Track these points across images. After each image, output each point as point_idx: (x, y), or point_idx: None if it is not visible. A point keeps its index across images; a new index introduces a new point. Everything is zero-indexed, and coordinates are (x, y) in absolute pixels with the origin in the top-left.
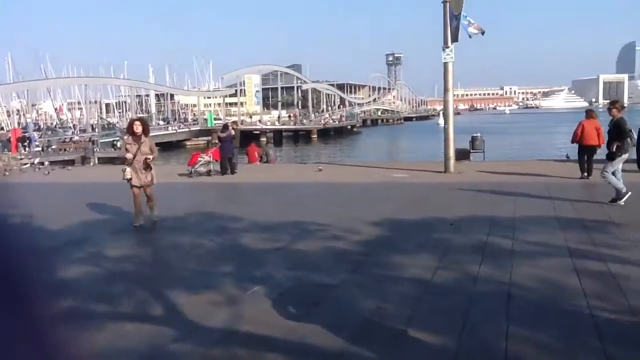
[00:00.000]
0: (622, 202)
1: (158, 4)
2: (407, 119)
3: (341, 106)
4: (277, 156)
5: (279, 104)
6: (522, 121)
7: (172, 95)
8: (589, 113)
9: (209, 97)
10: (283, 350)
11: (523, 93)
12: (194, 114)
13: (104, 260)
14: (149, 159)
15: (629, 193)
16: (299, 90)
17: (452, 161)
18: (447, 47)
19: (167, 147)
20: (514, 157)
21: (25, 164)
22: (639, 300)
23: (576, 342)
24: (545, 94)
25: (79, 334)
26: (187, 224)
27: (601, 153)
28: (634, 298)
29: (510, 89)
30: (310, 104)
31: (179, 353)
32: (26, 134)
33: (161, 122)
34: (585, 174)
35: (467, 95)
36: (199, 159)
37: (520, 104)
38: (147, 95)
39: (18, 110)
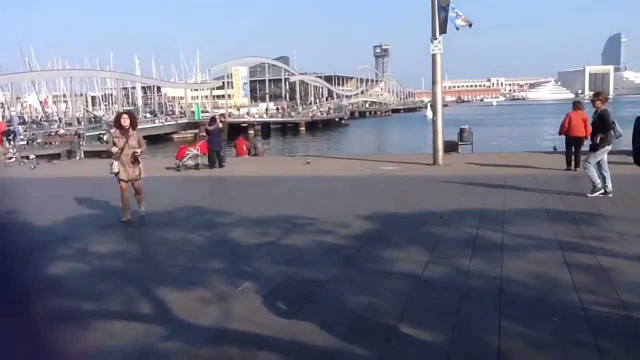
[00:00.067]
0: (590, 195)
1: None
2: (394, 110)
3: (329, 98)
4: (265, 149)
5: (267, 96)
6: (509, 113)
7: (158, 88)
8: (576, 105)
9: (196, 90)
10: (275, 349)
11: (510, 85)
12: (181, 106)
13: (92, 257)
14: (137, 152)
15: (601, 191)
16: (287, 83)
17: (440, 153)
18: (435, 39)
19: (154, 140)
20: (501, 149)
21: (10, 158)
22: (629, 294)
23: (569, 337)
24: (532, 86)
25: (66, 334)
26: (176, 218)
27: (588, 144)
28: (624, 292)
29: (497, 80)
30: (298, 97)
31: (169, 352)
32: (11, 128)
33: (148, 115)
34: (571, 166)
35: (454, 87)
36: (186, 152)
37: (507, 95)
38: (134, 88)
39: (2, 104)
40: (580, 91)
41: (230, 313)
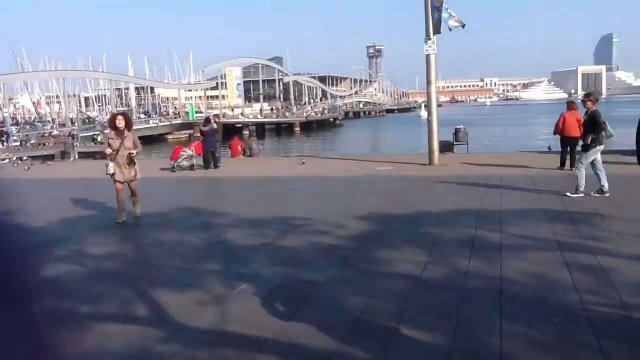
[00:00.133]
0: (571, 195)
1: None
2: (389, 111)
3: (323, 99)
4: (260, 149)
5: (261, 96)
6: (502, 113)
7: (152, 89)
8: (570, 105)
9: (190, 90)
10: (273, 351)
11: (503, 85)
12: (175, 107)
13: (87, 259)
14: (133, 154)
15: (582, 195)
16: (281, 83)
17: (436, 153)
18: (429, 39)
19: (149, 140)
20: (496, 149)
21: (4, 159)
22: (629, 294)
23: (570, 337)
24: (525, 86)
25: (61, 336)
26: (171, 219)
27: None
28: (624, 292)
29: (491, 80)
30: (292, 97)
31: (166, 355)
32: (4, 129)
33: (142, 116)
34: (565, 166)
35: (447, 87)
36: (181, 153)
37: (501, 95)
38: (127, 89)
39: None
40: (573, 91)
41: (228, 315)
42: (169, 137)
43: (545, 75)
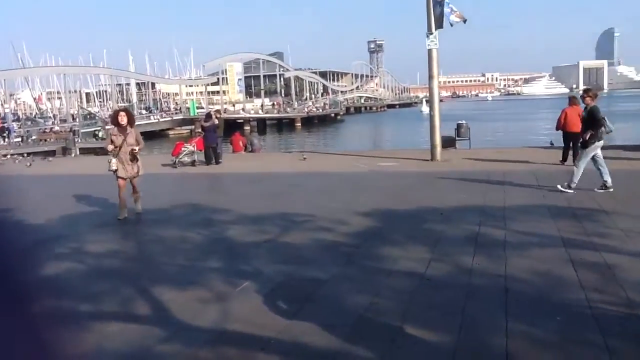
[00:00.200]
0: (561, 188)
1: None
2: (390, 106)
3: (324, 94)
4: (261, 145)
5: (262, 92)
6: (504, 108)
7: (153, 84)
8: (572, 100)
9: (190, 86)
10: (276, 350)
11: (504, 80)
12: (176, 102)
13: (88, 256)
14: (136, 150)
15: (574, 192)
16: (282, 78)
17: (438, 149)
18: (431, 34)
19: (150, 136)
20: (498, 144)
21: (5, 155)
22: (636, 292)
23: (577, 336)
24: (527, 81)
25: (62, 335)
26: (173, 216)
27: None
28: (631, 289)
29: (492, 75)
30: (293, 92)
31: (167, 354)
32: (5, 125)
33: (143, 112)
34: (567, 161)
35: (449, 82)
36: (182, 148)
37: (502, 90)
38: (128, 84)
39: None
40: (574, 86)
41: (230, 313)
42: (170, 132)
43: (547, 70)
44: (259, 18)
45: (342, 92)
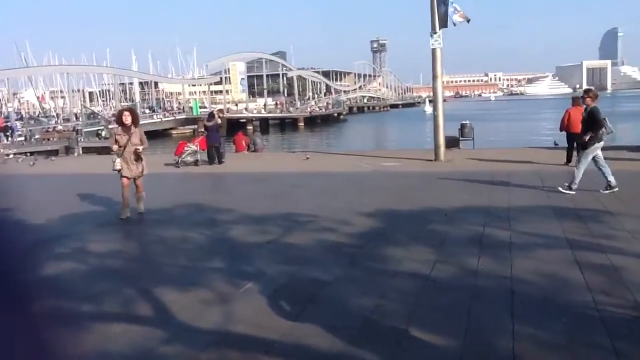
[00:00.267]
0: (562, 189)
1: None
2: (393, 106)
3: (327, 94)
4: (264, 145)
5: (265, 91)
6: (508, 108)
7: (156, 84)
8: (575, 100)
9: (193, 85)
10: (279, 353)
11: (508, 79)
12: (179, 102)
13: (90, 256)
14: (139, 149)
15: (574, 193)
16: (285, 78)
17: (442, 149)
18: (435, 33)
19: (153, 135)
20: (502, 145)
21: (9, 154)
22: None
23: (584, 339)
24: (530, 81)
25: (63, 336)
26: (175, 216)
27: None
28: (638, 292)
29: (495, 75)
30: (296, 92)
31: (169, 356)
32: (8, 124)
33: (146, 111)
34: (571, 161)
35: (452, 82)
36: (185, 148)
37: (505, 90)
38: (131, 84)
39: None
40: (578, 86)
41: (233, 315)
42: (173, 132)
43: (550, 70)
44: (262, 17)
45: (345, 91)
